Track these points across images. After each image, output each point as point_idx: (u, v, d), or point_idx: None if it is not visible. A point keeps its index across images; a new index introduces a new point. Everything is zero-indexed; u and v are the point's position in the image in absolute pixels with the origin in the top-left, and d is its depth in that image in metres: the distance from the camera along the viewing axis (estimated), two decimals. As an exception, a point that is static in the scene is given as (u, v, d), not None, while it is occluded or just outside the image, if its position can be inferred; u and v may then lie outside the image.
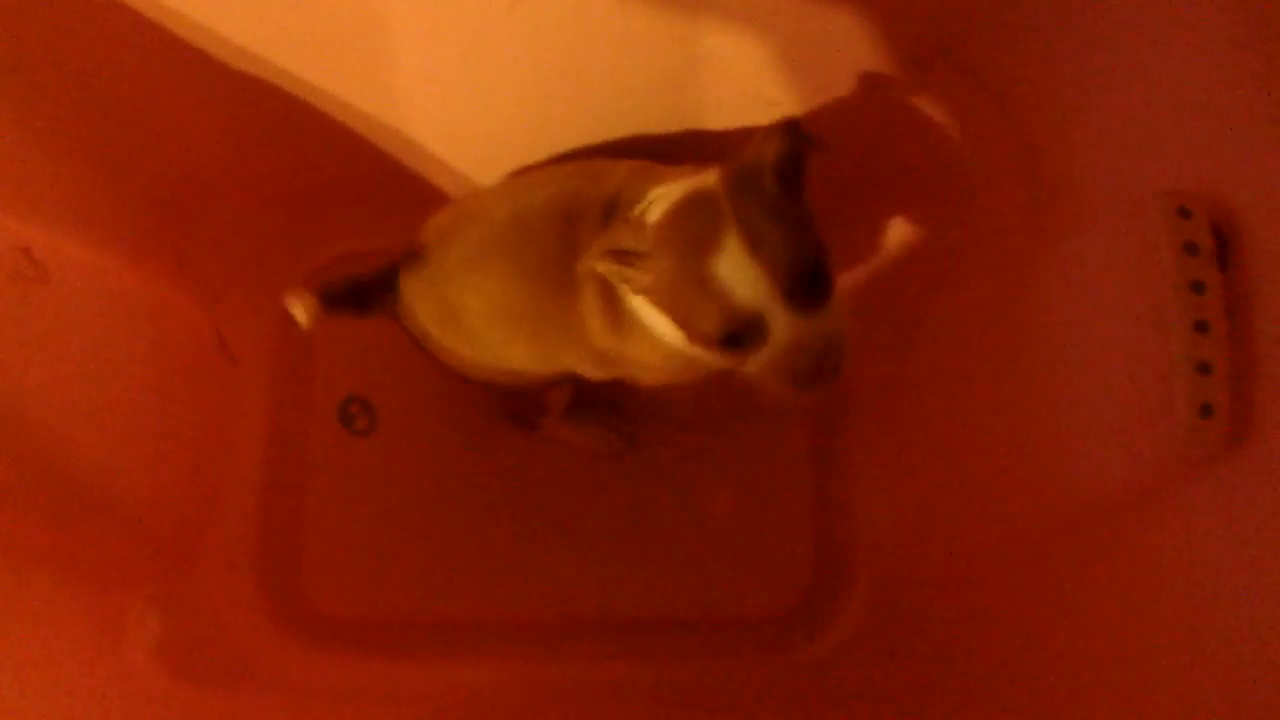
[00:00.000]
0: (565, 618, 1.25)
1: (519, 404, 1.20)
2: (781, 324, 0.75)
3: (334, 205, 1.29)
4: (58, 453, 1.00)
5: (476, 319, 1.01)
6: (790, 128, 0.78)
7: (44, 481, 0.99)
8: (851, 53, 1.03)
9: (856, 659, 1.20)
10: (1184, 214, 0.74)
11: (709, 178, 0.80)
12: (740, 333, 0.76)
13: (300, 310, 0.98)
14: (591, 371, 1.05)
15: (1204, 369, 0.72)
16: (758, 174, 0.77)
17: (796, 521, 1.26)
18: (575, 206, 0.93)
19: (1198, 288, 0.73)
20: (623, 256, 0.79)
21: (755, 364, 0.78)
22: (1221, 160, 0.75)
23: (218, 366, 1.27)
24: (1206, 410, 0.71)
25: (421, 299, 1.04)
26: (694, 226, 0.77)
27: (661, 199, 0.83)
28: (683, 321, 0.80)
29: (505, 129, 1.15)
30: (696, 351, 0.85)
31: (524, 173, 1.13)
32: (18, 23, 0.95)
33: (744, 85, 1.07)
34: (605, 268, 0.81)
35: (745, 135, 1.10)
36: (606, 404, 1.27)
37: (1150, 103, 0.82)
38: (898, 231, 1.21)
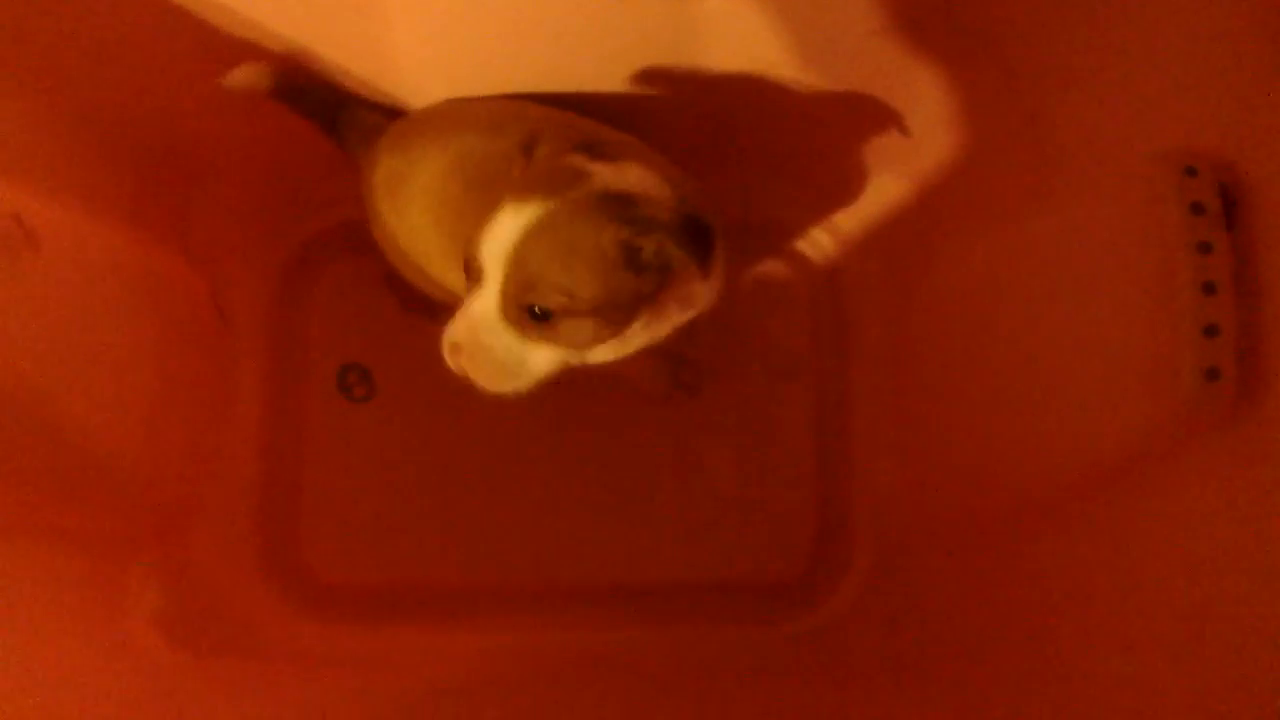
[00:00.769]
0: (564, 584, 1.25)
1: (410, 294, 1.19)
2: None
3: (330, 170, 1.28)
4: (53, 421, 1.00)
5: (416, 195, 1.02)
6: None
7: (40, 450, 0.98)
8: (851, 13, 1.01)
9: (857, 627, 1.20)
10: (1190, 173, 0.73)
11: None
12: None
13: (245, 73, 1.03)
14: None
15: (1211, 331, 0.70)
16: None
17: (798, 489, 1.26)
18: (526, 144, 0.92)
19: (1204, 248, 0.71)
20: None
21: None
22: (1228, 119, 0.73)
23: (215, 334, 1.26)
24: (1214, 374, 0.70)
25: (386, 153, 1.05)
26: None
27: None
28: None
29: (500, 90, 1.13)
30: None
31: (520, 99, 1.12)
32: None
33: (742, 47, 1.05)
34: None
35: (743, 94, 1.11)
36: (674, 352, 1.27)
37: (1155, 62, 0.81)
38: (899, 193, 1.19)
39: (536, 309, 0.79)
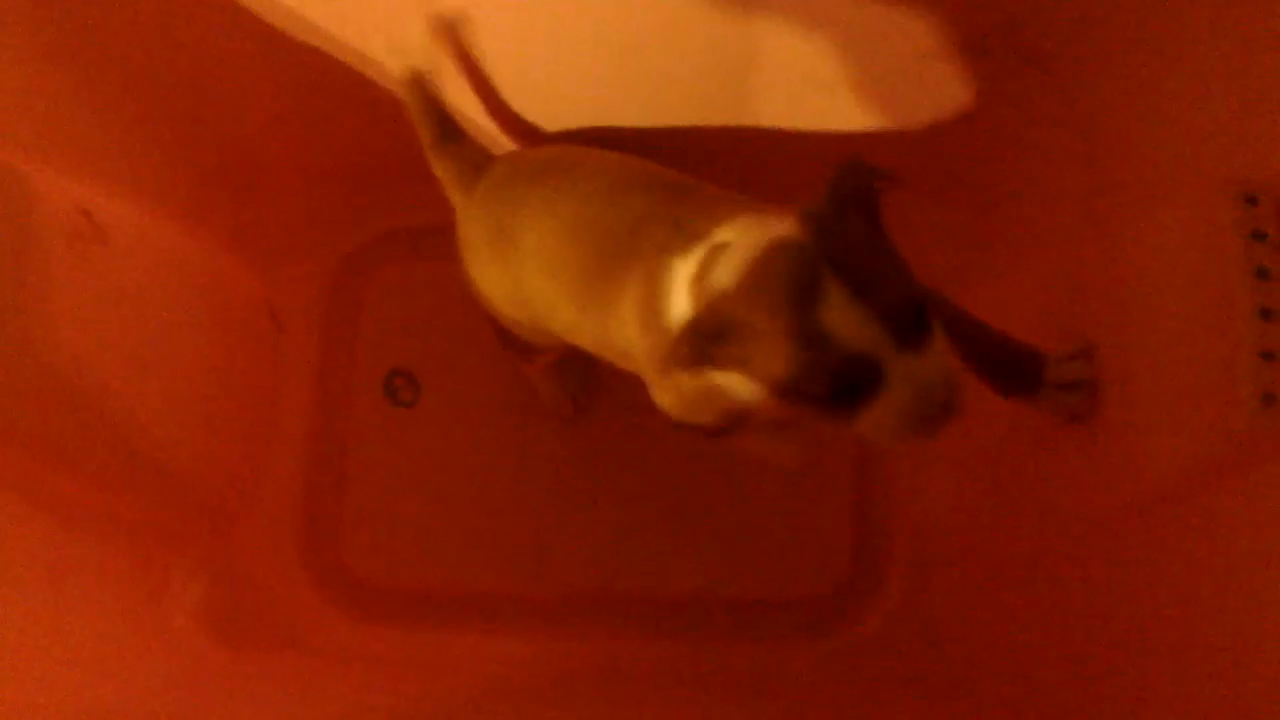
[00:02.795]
0: (603, 595, 1.26)
1: (511, 342, 1.17)
2: (898, 365, 0.70)
3: (385, 179, 1.30)
4: (113, 413, 1.02)
5: (528, 256, 0.99)
6: (860, 164, 0.76)
7: (99, 441, 1.01)
8: (909, 35, 1.02)
9: (895, 643, 1.19)
10: (1250, 201, 0.73)
11: (783, 225, 0.75)
12: (854, 384, 0.71)
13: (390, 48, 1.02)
14: (605, 355, 1.03)
15: (1268, 357, 0.71)
16: (841, 214, 0.74)
17: (836, 503, 1.26)
18: (647, 219, 0.90)
19: (1263, 274, 0.72)
20: (706, 338, 0.75)
21: (872, 416, 0.72)
22: (1290, 147, 0.73)
23: (268, 335, 1.28)
24: (1269, 399, 0.70)
25: (483, 211, 1.03)
26: (785, 280, 0.71)
27: (731, 253, 0.78)
28: (786, 384, 0.74)
29: (558, 105, 1.15)
30: (790, 413, 0.81)
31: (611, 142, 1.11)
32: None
33: (798, 69, 1.07)
34: (685, 354, 0.75)
35: (797, 116, 1.12)
36: (580, 369, 1.26)
37: (1215, 89, 0.81)
38: (950, 216, 1.20)
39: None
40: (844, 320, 0.69)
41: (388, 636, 1.24)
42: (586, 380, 1.29)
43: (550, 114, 1.17)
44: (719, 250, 0.79)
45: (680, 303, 0.83)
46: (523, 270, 1.00)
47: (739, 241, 0.78)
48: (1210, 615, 0.77)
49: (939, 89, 1.07)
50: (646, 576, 1.26)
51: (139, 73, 1.07)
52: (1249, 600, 0.73)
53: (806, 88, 1.09)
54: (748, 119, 1.14)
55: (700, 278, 0.80)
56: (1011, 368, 0.94)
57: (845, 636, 1.22)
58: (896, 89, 1.09)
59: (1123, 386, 0.85)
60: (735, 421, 0.90)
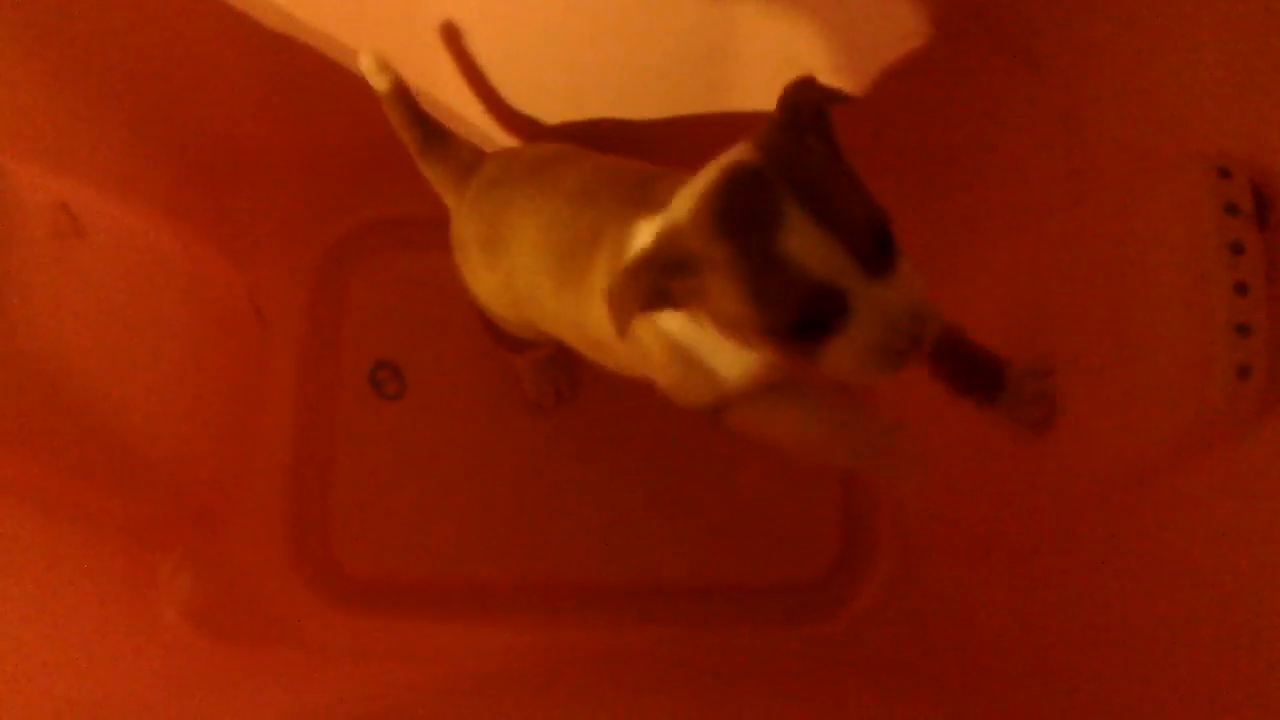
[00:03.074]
0: (590, 582, 1.26)
1: (501, 338, 1.16)
2: (864, 295, 0.67)
3: (367, 170, 1.30)
4: (95, 408, 1.02)
5: (515, 254, 0.98)
6: (810, 82, 0.73)
7: (81, 436, 1.00)
8: (886, 18, 1.02)
9: (881, 629, 1.20)
10: (1224, 174, 0.73)
11: (738, 152, 0.72)
12: (818, 315, 0.68)
13: (375, 63, 0.99)
14: (590, 353, 1.02)
15: (1243, 330, 0.71)
16: (798, 136, 0.71)
17: (823, 489, 1.26)
18: (622, 201, 0.87)
19: (1237, 248, 0.72)
20: (661, 269, 0.71)
21: (835, 349, 0.69)
22: (1262, 120, 0.73)
23: (250, 328, 1.28)
24: (1245, 372, 0.71)
25: (474, 210, 1.02)
26: (741, 208, 0.68)
27: (687, 187, 0.74)
28: (747, 317, 0.70)
29: (537, 91, 1.15)
30: (755, 351, 0.78)
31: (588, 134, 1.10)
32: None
33: (776, 51, 1.07)
34: (637, 288, 0.72)
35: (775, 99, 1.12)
36: (566, 363, 1.26)
37: (1188, 63, 0.81)
38: (933, 197, 1.20)
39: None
40: (807, 247, 0.66)
41: (377, 628, 1.24)
42: (571, 374, 1.29)
43: (529, 103, 1.17)
44: (679, 198, 0.75)
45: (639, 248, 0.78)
46: (511, 267, 1.00)
47: (696, 178, 0.74)
48: (1193, 595, 0.77)
49: (918, 71, 1.07)
50: (636, 564, 1.26)
51: (117, 66, 1.07)
52: (1228, 572, 0.74)
53: (785, 71, 1.09)
54: (725, 105, 1.15)
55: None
56: (971, 372, 0.92)
57: (832, 623, 1.22)
58: (874, 73, 1.09)
59: (1099, 365, 0.85)
60: (718, 399, 0.87)
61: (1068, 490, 0.91)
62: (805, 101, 0.72)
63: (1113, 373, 0.83)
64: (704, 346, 0.82)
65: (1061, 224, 0.95)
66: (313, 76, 1.13)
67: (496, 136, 1.21)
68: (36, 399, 0.94)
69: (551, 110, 1.17)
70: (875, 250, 0.68)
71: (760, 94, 1.13)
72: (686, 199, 0.73)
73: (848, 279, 0.67)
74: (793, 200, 0.67)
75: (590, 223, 0.89)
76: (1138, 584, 0.84)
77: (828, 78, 1.08)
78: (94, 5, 1.01)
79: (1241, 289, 0.71)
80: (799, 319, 0.68)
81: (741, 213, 0.69)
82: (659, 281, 0.71)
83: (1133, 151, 0.87)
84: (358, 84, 1.13)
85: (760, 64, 1.09)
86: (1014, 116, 1.05)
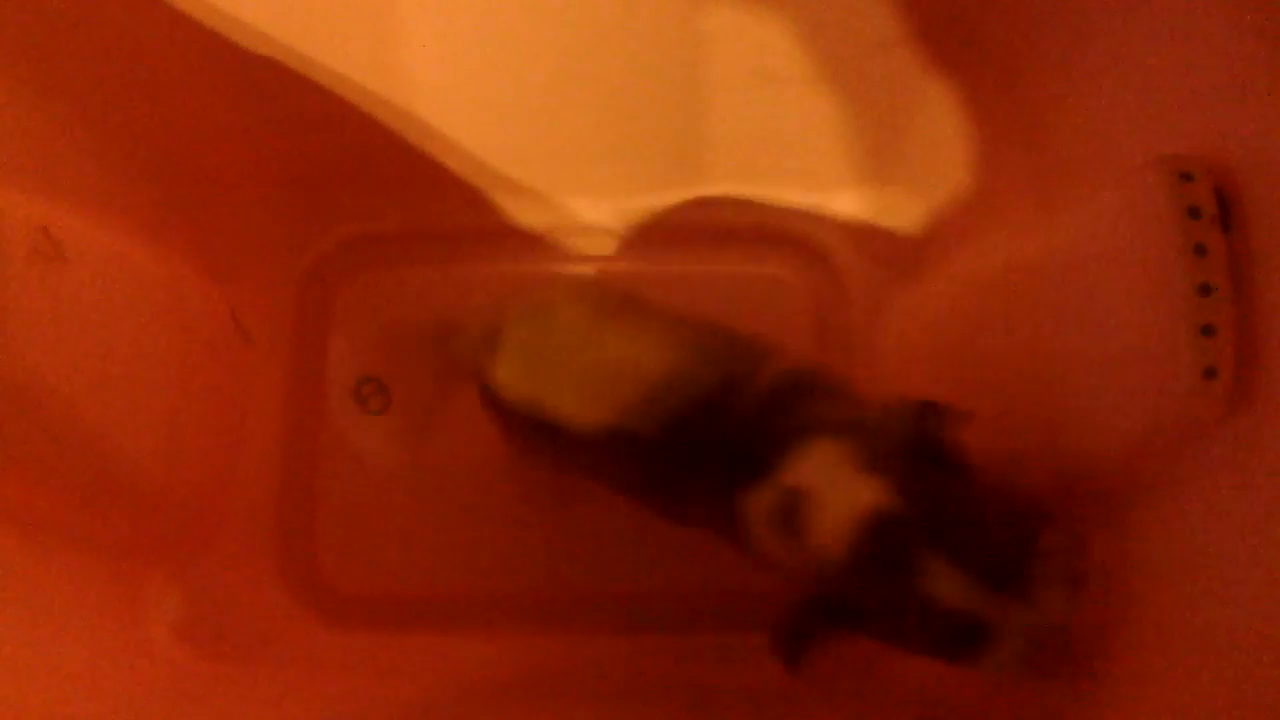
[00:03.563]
0: (577, 592, 1.26)
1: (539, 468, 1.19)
2: (1004, 621, 0.73)
3: (348, 187, 1.31)
4: (79, 429, 1.02)
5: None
6: (933, 408, 0.80)
7: (65, 457, 1.01)
8: (858, 27, 1.03)
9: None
10: (1185, 178, 0.74)
11: (868, 488, 0.77)
12: (965, 643, 0.74)
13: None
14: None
15: (1208, 331, 0.72)
16: (922, 473, 0.77)
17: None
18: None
19: (1200, 251, 0.73)
20: (818, 612, 0.79)
21: (987, 665, 0.75)
22: (1223, 122, 0.74)
23: (234, 346, 1.28)
24: (1210, 373, 0.71)
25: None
26: (887, 553, 0.75)
27: (822, 509, 0.79)
28: (897, 644, 0.79)
29: (514, 109, 1.16)
30: None
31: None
32: (38, 4, 0.97)
33: (748, 62, 1.07)
34: (793, 629, 0.80)
35: (747, 108, 1.12)
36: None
37: (1150, 68, 0.82)
38: (906, 203, 1.21)
39: None
40: (945, 586, 0.72)
41: (365, 643, 1.24)
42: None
43: (500, 121, 1.17)
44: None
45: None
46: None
47: (828, 496, 0.79)
48: (1163, 590, 0.78)
49: (890, 79, 1.08)
50: (622, 573, 1.26)
51: (96, 89, 1.08)
52: (1200, 571, 0.74)
53: (759, 80, 1.10)
54: (698, 116, 1.15)
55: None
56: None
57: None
58: (848, 79, 1.10)
59: (1065, 371, 0.86)
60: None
61: (1042, 492, 0.92)
62: (931, 429, 0.79)
63: (1079, 377, 0.84)
64: None
65: (1024, 230, 0.96)
66: (290, 97, 1.14)
67: (470, 147, 1.21)
68: (16, 420, 0.95)
69: (528, 125, 1.18)
70: (1011, 572, 0.73)
71: (733, 105, 1.14)
72: (828, 529, 0.78)
73: (988, 609, 0.73)
74: (931, 545, 0.73)
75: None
76: (1113, 584, 0.84)
77: (801, 89, 1.11)
78: (71, 28, 1.01)
79: (1205, 290, 0.72)
80: (947, 651, 0.76)
81: (888, 557, 0.75)
82: (815, 622, 0.80)
83: (1098, 156, 0.88)
84: (334, 102, 1.15)
85: (735, 76, 1.10)
86: (986, 124, 1.06)
